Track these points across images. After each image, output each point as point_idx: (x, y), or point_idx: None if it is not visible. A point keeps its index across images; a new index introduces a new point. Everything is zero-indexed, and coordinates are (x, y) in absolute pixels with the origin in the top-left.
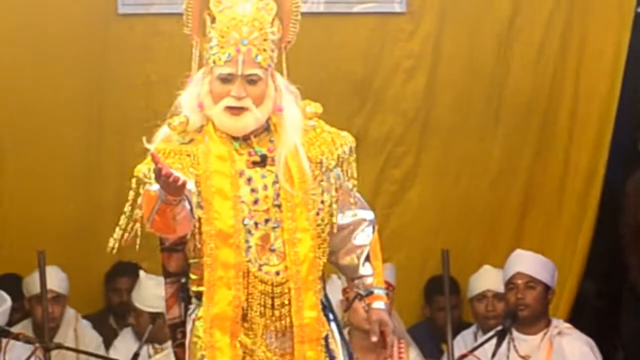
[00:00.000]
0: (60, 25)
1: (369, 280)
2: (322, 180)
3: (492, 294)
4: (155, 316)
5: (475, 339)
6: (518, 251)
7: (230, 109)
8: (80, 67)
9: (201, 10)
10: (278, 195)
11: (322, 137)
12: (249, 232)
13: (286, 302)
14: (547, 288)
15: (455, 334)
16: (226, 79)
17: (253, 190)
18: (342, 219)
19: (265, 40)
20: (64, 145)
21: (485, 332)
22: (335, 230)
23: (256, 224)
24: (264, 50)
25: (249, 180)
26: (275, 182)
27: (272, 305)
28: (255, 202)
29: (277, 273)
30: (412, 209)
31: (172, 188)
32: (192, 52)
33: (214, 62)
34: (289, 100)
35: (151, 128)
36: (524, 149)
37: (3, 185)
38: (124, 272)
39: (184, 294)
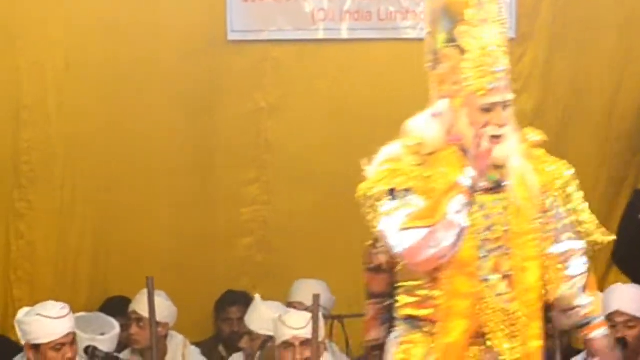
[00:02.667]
0: (170, 52)
1: (585, 310)
2: (546, 210)
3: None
4: (266, 340)
5: None
6: (618, 286)
7: (494, 138)
8: (190, 94)
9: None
10: (508, 222)
11: (544, 165)
12: (485, 260)
13: (516, 331)
14: None
15: None
16: (489, 109)
17: (486, 217)
18: (557, 248)
19: (510, 64)
20: (173, 174)
21: None
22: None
23: (489, 251)
24: (510, 73)
25: (482, 206)
26: (506, 208)
27: (510, 333)
28: (488, 228)
29: (510, 301)
30: None
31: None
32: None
33: (474, 93)
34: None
35: (260, 155)
36: (630, 174)
37: (114, 214)
38: (235, 301)
39: (387, 316)
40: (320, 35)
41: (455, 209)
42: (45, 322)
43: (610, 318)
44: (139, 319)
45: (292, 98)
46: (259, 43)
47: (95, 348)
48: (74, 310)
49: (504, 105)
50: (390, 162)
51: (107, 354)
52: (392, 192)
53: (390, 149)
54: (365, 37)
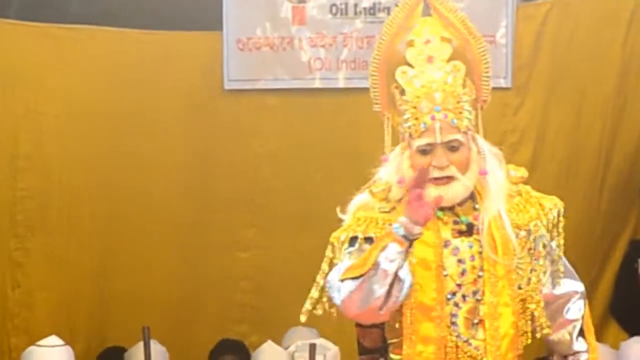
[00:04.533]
0: (168, 101)
1: (584, 357)
2: (531, 249)
3: None
4: None
5: None
6: (637, 340)
7: (436, 180)
8: (187, 142)
9: (388, 84)
10: (482, 267)
11: (529, 202)
12: (456, 305)
13: None
14: None
15: None
16: (425, 150)
17: (460, 261)
18: (553, 290)
19: (459, 102)
20: (170, 221)
21: None
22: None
23: (464, 296)
24: (460, 113)
25: (455, 250)
26: (481, 252)
27: None
28: (462, 273)
29: (482, 348)
30: None
31: (422, 213)
32: (384, 129)
33: (410, 134)
34: (493, 163)
35: (257, 200)
36: (627, 226)
37: (111, 263)
38: (229, 349)
39: None
40: (317, 84)
41: (388, 257)
42: (39, 351)
43: None
44: None
45: (289, 145)
46: (255, 92)
47: None
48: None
49: (448, 146)
50: (361, 209)
51: None
52: (352, 241)
53: (361, 197)
54: (362, 86)
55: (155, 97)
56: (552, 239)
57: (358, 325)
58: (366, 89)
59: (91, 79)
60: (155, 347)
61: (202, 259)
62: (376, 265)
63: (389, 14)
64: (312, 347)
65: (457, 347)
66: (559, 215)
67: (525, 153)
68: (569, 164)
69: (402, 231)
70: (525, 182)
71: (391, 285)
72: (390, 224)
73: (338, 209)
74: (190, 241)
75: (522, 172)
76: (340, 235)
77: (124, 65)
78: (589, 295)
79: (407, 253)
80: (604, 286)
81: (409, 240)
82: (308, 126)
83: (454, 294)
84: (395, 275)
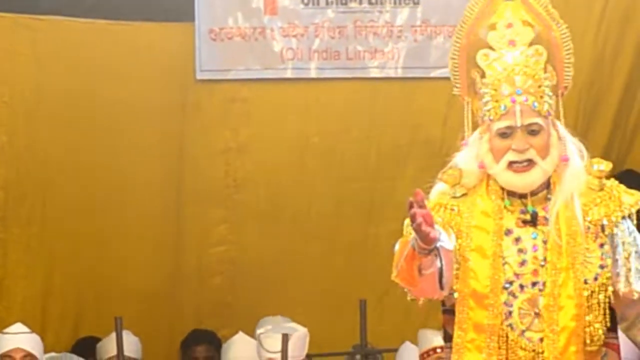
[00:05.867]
0: (138, 91)
1: None
2: (603, 244)
3: None
4: None
5: None
6: None
7: (515, 164)
8: (159, 133)
9: (468, 69)
10: (546, 257)
11: (611, 197)
12: (513, 295)
13: None
14: None
15: None
16: (505, 134)
17: (520, 251)
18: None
19: (540, 87)
20: (142, 214)
21: None
22: (614, 300)
23: (522, 286)
24: (541, 97)
25: (517, 240)
26: (546, 242)
27: None
28: (523, 263)
29: (541, 340)
30: None
31: (423, 235)
32: (464, 114)
33: (490, 118)
34: (573, 151)
35: (231, 195)
36: None
37: (84, 254)
38: (201, 340)
39: None
40: (289, 74)
41: (424, 267)
42: (4, 337)
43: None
44: None
45: (261, 137)
46: (227, 82)
47: None
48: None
49: (528, 129)
50: (437, 196)
51: None
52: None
53: (438, 186)
54: (334, 76)
55: (127, 88)
56: (630, 235)
57: (444, 312)
58: (338, 79)
59: (63, 70)
60: (128, 338)
61: (174, 252)
62: (419, 276)
63: (360, 3)
64: (285, 338)
65: (507, 337)
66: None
67: None
68: None
69: (415, 247)
70: (608, 177)
71: (440, 278)
72: (452, 209)
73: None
74: (163, 234)
75: (606, 166)
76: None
77: (96, 57)
78: None
79: (428, 255)
80: None
81: (428, 253)
82: (280, 117)
83: (510, 283)
84: (440, 270)
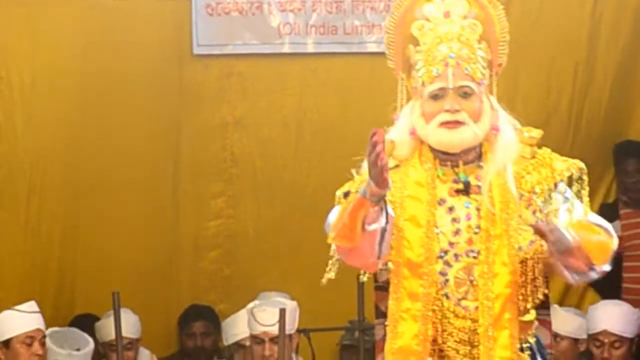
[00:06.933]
0: (136, 66)
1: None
2: (536, 211)
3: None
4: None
5: None
6: (604, 304)
7: (446, 124)
8: (156, 108)
9: (404, 46)
10: (480, 225)
11: (543, 165)
12: (448, 264)
13: (476, 340)
14: (632, 340)
15: None
16: (437, 95)
17: (454, 220)
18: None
19: (473, 55)
20: (139, 187)
21: None
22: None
23: (456, 255)
24: (474, 63)
25: (451, 209)
26: (479, 210)
27: (470, 342)
28: (457, 232)
29: (477, 308)
30: None
31: (378, 171)
32: (398, 90)
33: (423, 82)
34: (505, 123)
35: (228, 169)
36: (597, 190)
37: (81, 230)
38: (199, 316)
39: None
40: (286, 49)
41: (368, 221)
42: (16, 315)
43: (596, 337)
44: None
45: (258, 112)
46: (224, 57)
47: None
48: None
49: (460, 92)
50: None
51: None
52: (346, 195)
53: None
54: (331, 51)
55: (124, 64)
56: (565, 202)
57: (377, 288)
58: (335, 54)
59: (60, 46)
60: (128, 316)
61: (172, 226)
62: (361, 233)
63: None
64: (282, 312)
65: (443, 305)
66: (572, 179)
67: None
68: (538, 128)
69: (371, 198)
70: (540, 145)
71: (381, 240)
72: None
73: (353, 171)
74: (160, 208)
75: (537, 133)
76: (341, 192)
77: (93, 32)
78: None
79: (382, 207)
80: None
81: (381, 198)
82: (277, 92)
83: (445, 252)
84: (382, 230)
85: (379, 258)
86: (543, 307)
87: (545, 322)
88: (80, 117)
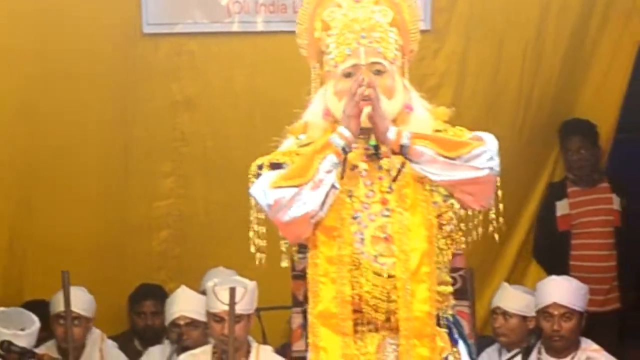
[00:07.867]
0: (85, 45)
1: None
2: None
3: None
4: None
5: (500, 356)
6: (553, 278)
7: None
8: (106, 87)
9: (318, 36)
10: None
11: (453, 135)
12: (362, 224)
13: (395, 296)
14: (581, 314)
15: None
16: (350, 73)
17: (367, 183)
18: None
19: (385, 35)
20: (90, 166)
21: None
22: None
23: (371, 215)
24: (386, 43)
25: (363, 172)
26: (390, 171)
27: (388, 298)
28: (370, 194)
29: (395, 264)
30: None
31: (354, 108)
32: (312, 78)
33: (336, 63)
34: (419, 103)
35: (178, 148)
36: (545, 168)
37: (30, 210)
38: (149, 294)
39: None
40: (236, 27)
41: (325, 168)
42: None
43: (546, 310)
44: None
45: (208, 91)
46: (174, 36)
47: (10, 343)
48: None
49: (373, 69)
50: (286, 147)
51: (22, 348)
52: (269, 165)
53: (287, 140)
54: (281, 30)
55: (74, 41)
56: None
57: (294, 277)
58: (284, 32)
59: (8, 22)
60: (83, 295)
61: (121, 206)
62: (314, 175)
63: None
64: (232, 291)
65: (360, 264)
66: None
67: (444, 96)
68: (488, 107)
69: (341, 142)
70: (449, 121)
71: (326, 195)
72: (298, 154)
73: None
74: (111, 187)
75: (449, 111)
76: (258, 163)
77: (43, 9)
78: (506, 235)
79: (341, 164)
80: (521, 227)
81: (345, 152)
82: (227, 71)
83: (360, 213)
84: (332, 185)
85: (321, 212)
86: (461, 297)
87: (463, 313)
88: (28, 95)
